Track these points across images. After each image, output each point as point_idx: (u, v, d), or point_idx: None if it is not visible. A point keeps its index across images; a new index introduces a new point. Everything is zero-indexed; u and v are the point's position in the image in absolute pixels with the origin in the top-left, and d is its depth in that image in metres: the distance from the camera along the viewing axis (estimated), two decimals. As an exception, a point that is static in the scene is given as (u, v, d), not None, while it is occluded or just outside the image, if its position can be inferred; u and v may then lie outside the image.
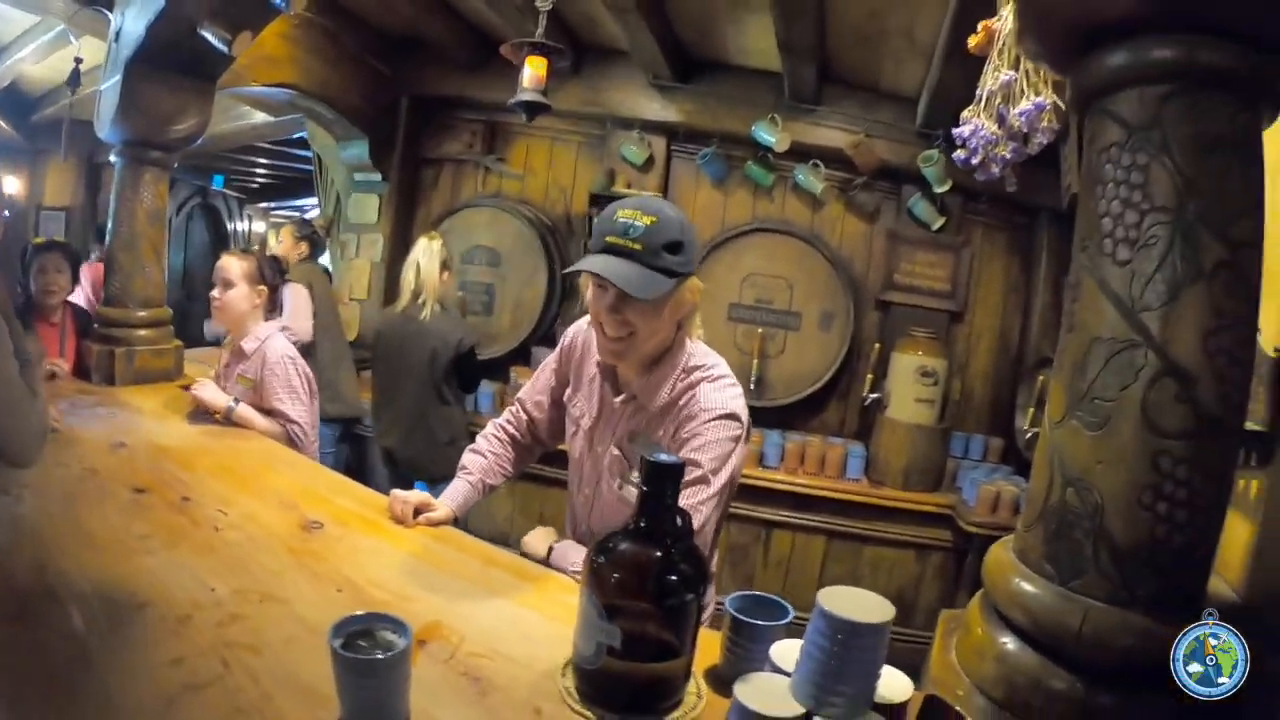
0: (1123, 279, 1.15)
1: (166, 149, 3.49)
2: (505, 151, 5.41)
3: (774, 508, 4.58)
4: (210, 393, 2.89)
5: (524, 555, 1.98)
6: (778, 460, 4.70)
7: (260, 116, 6.38)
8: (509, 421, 2.27)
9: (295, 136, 6.66)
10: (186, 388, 2.98)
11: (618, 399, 1.91)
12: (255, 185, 12.62)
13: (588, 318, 1.98)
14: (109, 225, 3.48)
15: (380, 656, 1.14)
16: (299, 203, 13.05)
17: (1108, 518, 1.14)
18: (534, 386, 2.23)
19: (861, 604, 1.15)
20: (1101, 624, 1.13)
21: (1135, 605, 1.14)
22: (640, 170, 5.10)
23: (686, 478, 1.69)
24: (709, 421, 1.77)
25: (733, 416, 1.79)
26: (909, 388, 4.63)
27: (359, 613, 1.22)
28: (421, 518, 2.04)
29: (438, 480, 4.04)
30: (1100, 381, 1.15)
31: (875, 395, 4.79)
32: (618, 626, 1.25)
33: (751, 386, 4.93)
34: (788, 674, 1.22)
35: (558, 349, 2.15)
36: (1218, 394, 1.12)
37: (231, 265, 3.02)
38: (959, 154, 2.56)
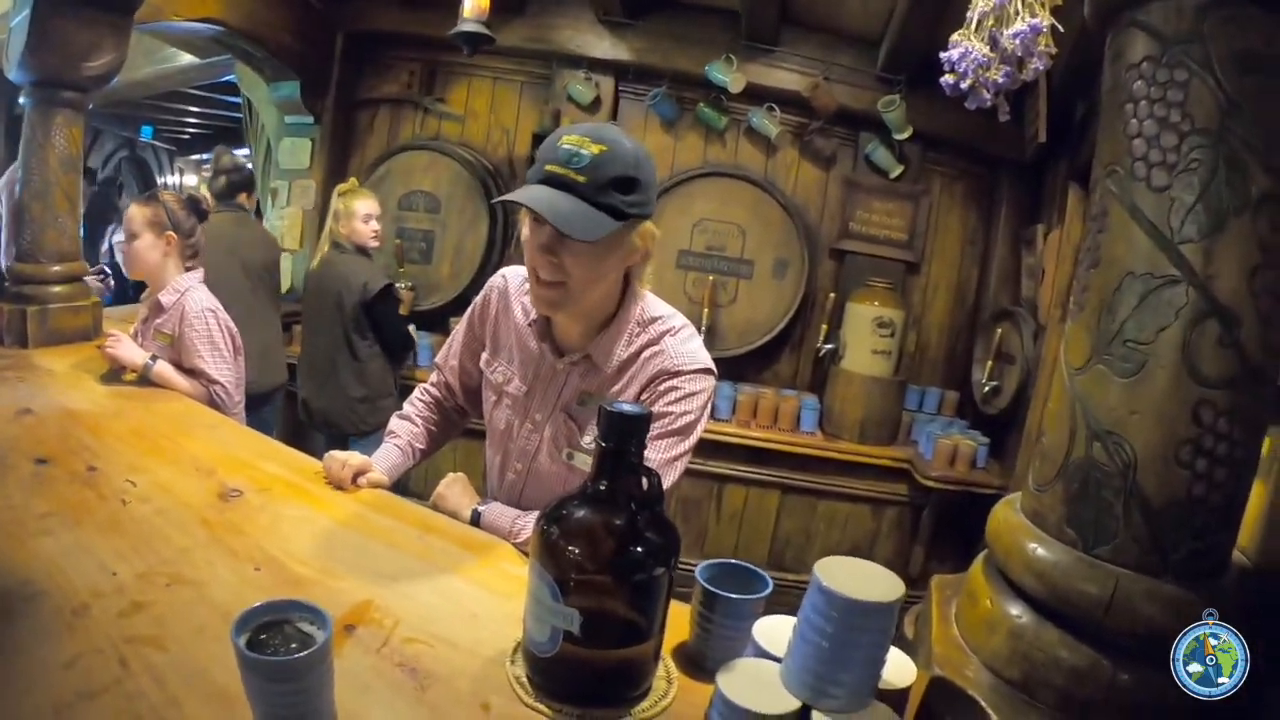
0: (1159, 206, 1.02)
1: (80, 89, 3.21)
2: (445, 92, 5.17)
3: (727, 462, 4.51)
4: (125, 349, 2.66)
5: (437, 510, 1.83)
6: (730, 413, 4.60)
7: (187, 59, 6.05)
8: (433, 385, 2.08)
9: (225, 80, 6.35)
10: (102, 347, 2.75)
11: (560, 361, 1.71)
12: (186, 136, 12.15)
13: (504, 271, 1.84)
14: (19, 174, 3.22)
15: (293, 656, 0.95)
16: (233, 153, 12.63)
17: (1141, 475, 1.02)
18: (449, 349, 2.02)
19: (865, 577, 1.00)
20: (1131, 592, 1.02)
21: (1166, 571, 1.02)
22: (587, 111, 4.89)
23: (663, 429, 1.59)
24: (683, 375, 1.61)
25: (707, 371, 1.64)
26: (865, 339, 4.57)
27: (265, 601, 1.03)
28: (362, 479, 1.86)
29: (356, 437, 3.93)
30: (1134, 322, 1.03)
31: (830, 346, 4.71)
32: (576, 608, 1.08)
33: (702, 336, 4.72)
34: (775, 658, 1.07)
35: (470, 306, 1.93)
36: (1261, 338, 1.01)
37: (134, 214, 2.81)
38: (947, 79, 2.40)
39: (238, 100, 6.01)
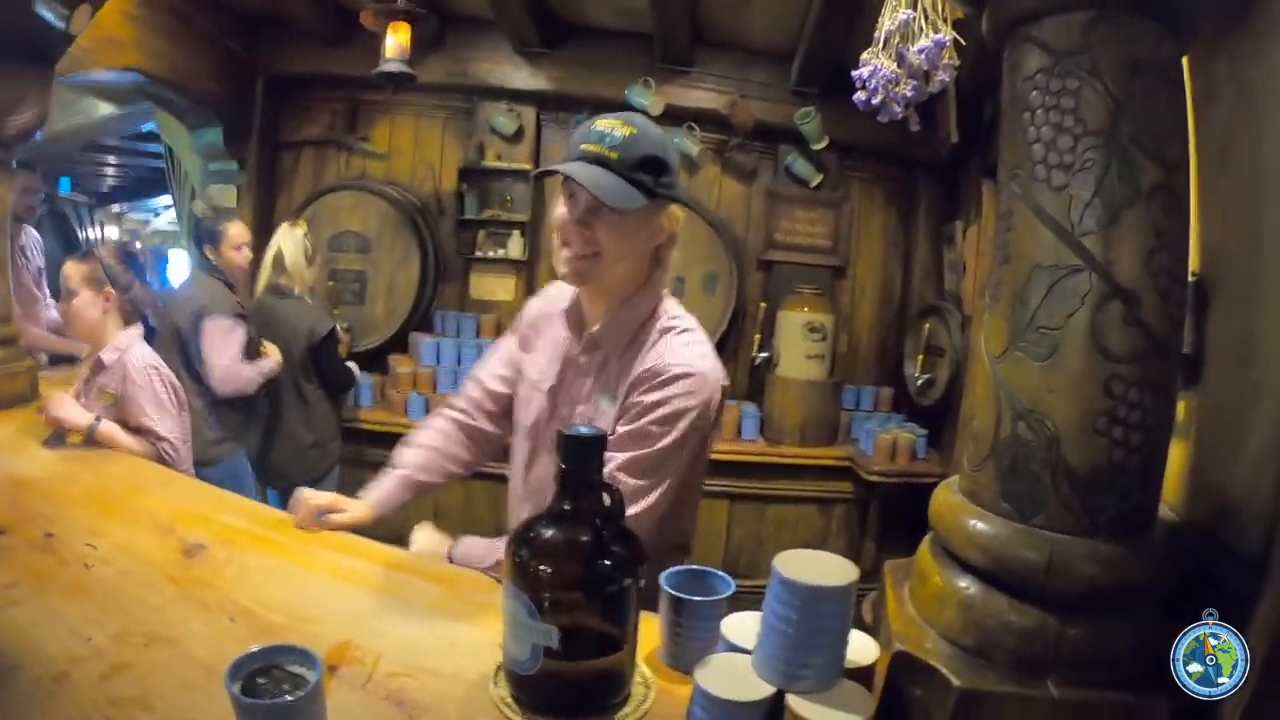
0: (1059, 204, 1.12)
1: (4, 145, 3.13)
2: (368, 131, 5.17)
3: (673, 477, 4.51)
4: (68, 411, 2.61)
5: None
6: (672, 428, 4.60)
7: (105, 108, 5.88)
8: (461, 404, 2.02)
9: (144, 130, 6.25)
10: (43, 410, 2.72)
11: (581, 351, 1.75)
12: (105, 188, 11.88)
13: (547, 290, 1.92)
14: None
15: (289, 698, 0.99)
16: (153, 202, 12.37)
17: (1064, 447, 1.10)
18: (493, 359, 2.00)
19: (821, 567, 1.08)
20: (1068, 555, 1.10)
21: (1098, 532, 1.11)
22: (510, 141, 4.96)
23: (635, 451, 1.59)
24: (664, 377, 1.61)
25: (692, 375, 1.61)
26: (798, 344, 4.67)
27: (257, 647, 1.06)
28: (326, 519, 1.88)
29: (310, 484, 3.85)
30: (1044, 310, 1.12)
31: (764, 355, 4.81)
32: (553, 625, 1.13)
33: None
34: (747, 651, 1.14)
35: (517, 319, 1.99)
36: (1162, 313, 1.10)
37: (70, 271, 2.77)
38: (859, 96, 2.52)
39: (158, 149, 5.93)
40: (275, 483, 3.88)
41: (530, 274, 5.10)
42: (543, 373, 1.82)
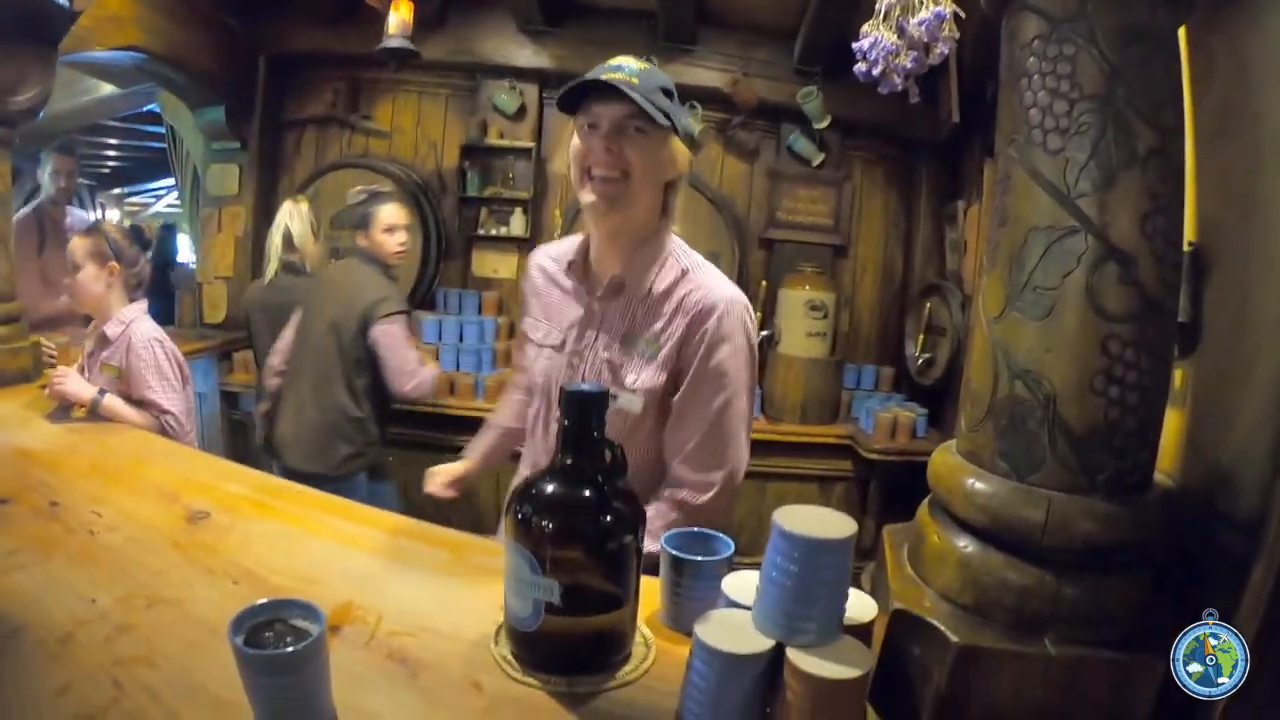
0: (1056, 167, 1.13)
1: (8, 124, 3.15)
2: (371, 109, 5.15)
3: (674, 454, 4.50)
4: (73, 385, 2.64)
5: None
6: (674, 405, 4.61)
7: (108, 89, 5.88)
8: (517, 389, 2.12)
9: (146, 111, 6.24)
10: (47, 384, 2.73)
11: (599, 298, 1.74)
12: (106, 170, 11.85)
13: (542, 249, 1.94)
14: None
15: (292, 649, 1.00)
16: (154, 185, 12.34)
17: (1061, 405, 1.12)
18: (520, 352, 2.01)
19: (820, 520, 1.07)
20: (1066, 512, 1.11)
21: (1095, 491, 1.12)
22: (513, 120, 4.95)
23: (722, 400, 1.65)
24: (721, 313, 1.63)
25: (739, 302, 1.67)
26: (799, 322, 4.65)
27: (261, 601, 1.07)
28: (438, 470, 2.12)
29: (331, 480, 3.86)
30: (1041, 270, 1.13)
31: (765, 333, 4.79)
32: (556, 580, 1.15)
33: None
34: (746, 607, 1.14)
35: (524, 291, 1.97)
36: (1157, 275, 1.11)
37: (75, 246, 2.79)
38: (860, 67, 2.52)
39: (160, 130, 5.92)
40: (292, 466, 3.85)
41: (532, 251, 5.01)
42: (550, 330, 1.83)
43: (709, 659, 1.06)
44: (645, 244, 1.70)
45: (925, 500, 1.36)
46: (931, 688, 1.10)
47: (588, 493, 1.19)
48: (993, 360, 1.20)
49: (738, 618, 1.12)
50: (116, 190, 12.84)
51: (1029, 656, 1.08)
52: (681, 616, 1.35)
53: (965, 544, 1.19)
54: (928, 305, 4.78)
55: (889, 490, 4.63)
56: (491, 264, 5.14)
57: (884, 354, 5.26)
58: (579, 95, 1.59)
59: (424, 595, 1.47)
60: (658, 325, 1.67)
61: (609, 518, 1.19)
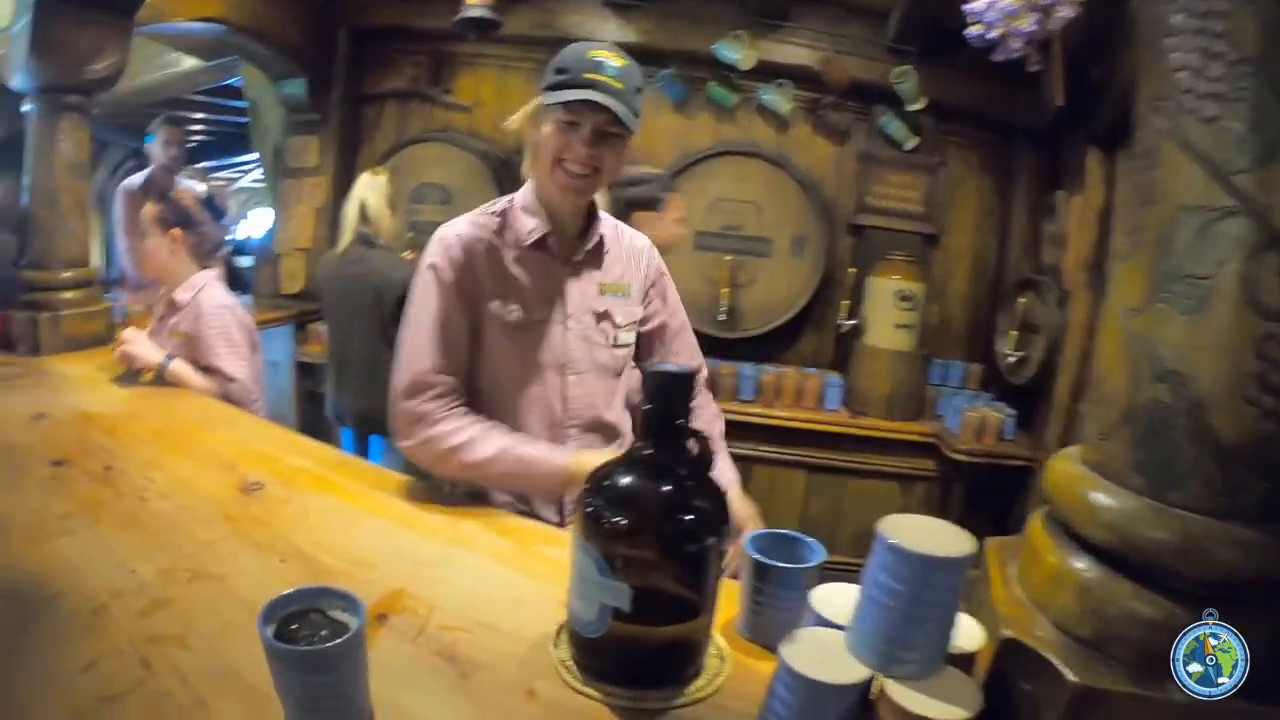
0: (1210, 137, 0.96)
1: (84, 92, 3.17)
2: (452, 84, 5.06)
3: (751, 443, 4.38)
4: (141, 347, 2.61)
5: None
6: (753, 393, 4.51)
7: (191, 62, 5.95)
8: (448, 398, 1.78)
9: (230, 84, 6.27)
10: (117, 347, 2.70)
11: (565, 266, 1.85)
12: (192, 144, 12.09)
13: (453, 232, 1.81)
14: (26, 180, 3.17)
15: (325, 645, 0.89)
16: (238, 160, 12.54)
17: (1210, 414, 0.95)
18: (439, 351, 1.76)
19: (932, 533, 0.94)
20: (1205, 537, 0.95)
21: (1239, 515, 0.96)
22: (596, 96, 4.80)
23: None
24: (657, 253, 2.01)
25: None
26: (888, 313, 4.47)
27: (294, 589, 0.97)
28: None
29: (385, 436, 3.80)
30: (1192, 256, 0.96)
31: (852, 322, 4.62)
32: (626, 583, 1.02)
33: (722, 317, 4.72)
34: (836, 626, 1.01)
35: (447, 279, 1.77)
36: None
37: (143, 213, 2.80)
38: (974, 30, 2.34)
39: (243, 105, 5.95)
40: (362, 429, 3.86)
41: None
42: (526, 307, 1.81)
43: (794, 685, 0.93)
44: (592, 216, 1.88)
45: (1038, 513, 1.20)
46: (1041, 731, 0.95)
47: (667, 487, 1.06)
48: (1130, 359, 1.03)
49: (829, 639, 0.99)
50: (201, 165, 13.09)
51: (1153, 702, 0.93)
52: (762, 627, 1.23)
53: (1086, 567, 1.03)
54: (1022, 301, 4.55)
55: (972, 493, 4.42)
56: (572, 241, 4.98)
57: (973, 350, 5.02)
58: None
59: (481, 587, 1.36)
60: (617, 270, 1.91)
61: (689, 517, 1.06)
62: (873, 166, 4.83)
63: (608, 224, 1.92)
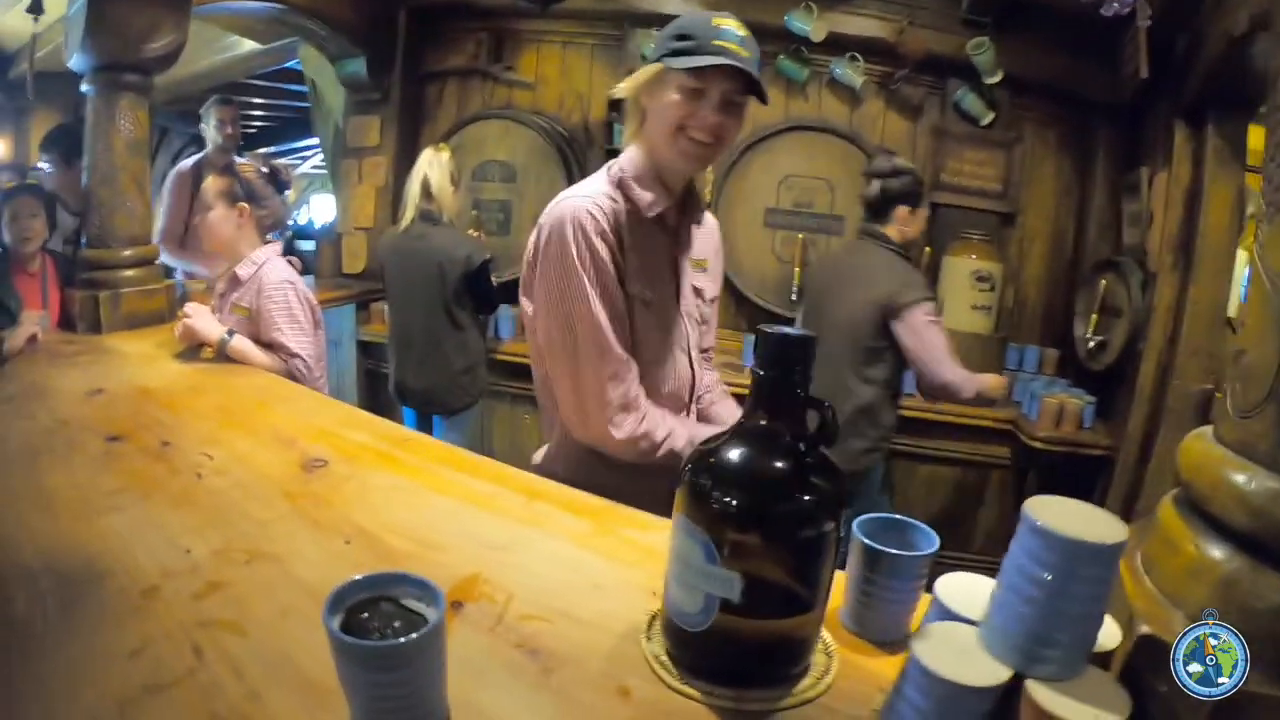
0: None
1: (143, 71, 3.15)
2: (514, 60, 4.98)
3: (825, 426, 4.25)
4: (202, 322, 2.56)
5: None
6: (825, 377, 4.35)
7: (249, 45, 5.97)
8: (636, 393, 1.68)
9: (288, 68, 6.27)
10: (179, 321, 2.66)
11: (685, 237, 1.82)
12: (252, 130, 12.18)
13: (585, 207, 1.63)
14: (86, 160, 3.17)
15: (401, 640, 0.78)
16: (299, 145, 12.63)
17: (1368, 388, 0.84)
18: (614, 334, 1.64)
19: (1083, 518, 0.83)
20: None
21: None
22: (663, 71, 4.68)
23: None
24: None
25: None
26: (964, 294, 4.33)
27: (363, 575, 0.86)
28: None
29: (455, 413, 3.78)
30: None
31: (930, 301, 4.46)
32: (736, 571, 0.90)
33: (794, 297, 4.57)
34: (965, 620, 0.90)
35: (602, 257, 1.62)
36: None
37: (207, 186, 2.73)
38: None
39: (302, 89, 5.95)
40: (424, 408, 3.83)
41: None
42: (654, 283, 1.74)
43: (929, 688, 0.82)
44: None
45: (1168, 498, 1.07)
46: (1180, 737, 0.86)
47: (785, 463, 0.94)
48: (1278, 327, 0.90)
49: (962, 635, 0.88)
50: (262, 150, 13.20)
51: None
52: (870, 620, 1.12)
53: (1228, 557, 0.92)
54: (1102, 283, 4.34)
55: (1049, 482, 4.24)
56: (638, 220, 4.89)
57: (1050, 334, 4.83)
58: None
59: (563, 573, 1.25)
60: (698, 245, 1.85)
61: (809, 497, 0.94)
62: (947, 142, 4.65)
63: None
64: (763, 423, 0.94)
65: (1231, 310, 3.69)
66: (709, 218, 1.89)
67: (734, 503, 0.92)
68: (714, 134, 1.59)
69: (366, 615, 0.82)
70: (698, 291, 1.84)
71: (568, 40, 4.91)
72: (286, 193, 2.95)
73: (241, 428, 1.89)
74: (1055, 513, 0.83)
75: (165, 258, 3.90)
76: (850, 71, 4.51)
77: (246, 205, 2.69)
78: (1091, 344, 4.36)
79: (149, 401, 2.05)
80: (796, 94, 4.72)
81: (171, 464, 1.61)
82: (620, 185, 1.68)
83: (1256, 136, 3.67)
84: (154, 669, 0.94)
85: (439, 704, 0.84)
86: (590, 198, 1.65)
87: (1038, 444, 4.02)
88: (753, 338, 4.11)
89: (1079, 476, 4.00)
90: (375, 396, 4.79)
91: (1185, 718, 0.85)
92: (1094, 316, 4.36)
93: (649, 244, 1.71)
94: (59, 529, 1.31)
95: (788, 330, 0.93)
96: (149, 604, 1.08)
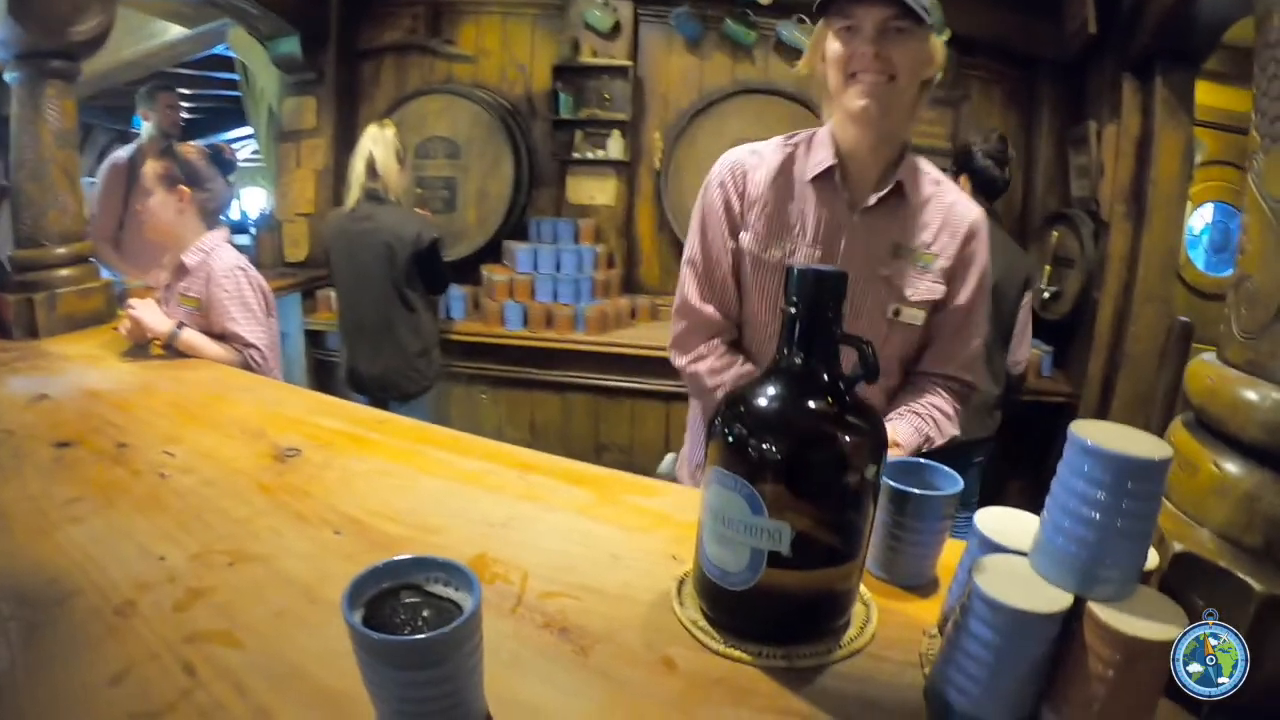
0: None
1: (69, 56, 2.94)
2: (453, 33, 4.86)
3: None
4: (150, 314, 2.40)
5: None
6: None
7: (175, 31, 5.72)
8: (711, 337, 1.72)
9: (217, 53, 6.06)
10: (123, 316, 2.51)
11: (865, 208, 1.60)
12: (181, 123, 11.88)
13: (736, 158, 1.66)
14: (10, 155, 2.96)
15: (437, 633, 0.69)
16: (229, 137, 12.33)
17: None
18: (705, 281, 1.69)
19: (1127, 438, 0.81)
20: None
21: None
22: (606, 38, 4.62)
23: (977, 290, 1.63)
24: (979, 229, 1.63)
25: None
26: (915, 252, 4.30)
27: (382, 562, 0.77)
28: None
29: (411, 397, 3.67)
30: None
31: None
32: (785, 522, 0.85)
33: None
34: (1012, 551, 0.89)
35: (715, 201, 1.66)
36: None
37: (146, 170, 2.59)
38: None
39: (232, 76, 5.77)
40: (380, 395, 3.70)
41: (632, 176, 4.79)
42: (784, 243, 1.64)
43: (994, 619, 0.80)
44: (904, 149, 1.62)
45: (1177, 422, 1.10)
46: (1223, 646, 0.89)
47: (826, 404, 0.89)
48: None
49: (1016, 566, 0.86)
50: (192, 143, 12.85)
51: None
52: (899, 565, 1.11)
53: (1250, 473, 0.94)
54: (1054, 235, 4.42)
55: (1012, 431, 4.29)
56: (588, 190, 4.82)
57: (1004, 288, 4.88)
58: None
59: (575, 546, 1.18)
60: (925, 236, 1.61)
61: (849, 439, 0.89)
62: (895, 102, 4.65)
63: (926, 176, 1.65)
64: (798, 361, 0.89)
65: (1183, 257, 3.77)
66: (964, 210, 1.65)
67: (776, 449, 0.87)
68: (880, 70, 1.46)
69: (391, 608, 0.74)
70: (888, 282, 1.62)
71: (508, 11, 4.83)
72: (231, 174, 2.81)
73: (202, 422, 1.77)
74: (1101, 434, 0.82)
75: (98, 260, 3.75)
76: (798, 34, 4.47)
77: (187, 189, 2.56)
78: (1046, 295, 4.42)
79: (98, 403, 1.92)
80: (744, 58, 4.68)
81: (131, 466, 1.49)
82: (796, 144, 1.65)
83: (1204, 91, 3.78)
84: (142, 695, 0.84)
85: (477, 701, 0.77)
86: (745, 149, 1.67)
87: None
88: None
89: (1041, 424, 4.06)
90: (327, 387, 4.62)
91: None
92: (1047, 268, 4.41)
93: (810, 206, 1.62)
94: (14, 547, 1.18)
95: (820, 268, 0.87)
96: (126, 622, 0.97)
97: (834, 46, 1.49)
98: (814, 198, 1.61)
